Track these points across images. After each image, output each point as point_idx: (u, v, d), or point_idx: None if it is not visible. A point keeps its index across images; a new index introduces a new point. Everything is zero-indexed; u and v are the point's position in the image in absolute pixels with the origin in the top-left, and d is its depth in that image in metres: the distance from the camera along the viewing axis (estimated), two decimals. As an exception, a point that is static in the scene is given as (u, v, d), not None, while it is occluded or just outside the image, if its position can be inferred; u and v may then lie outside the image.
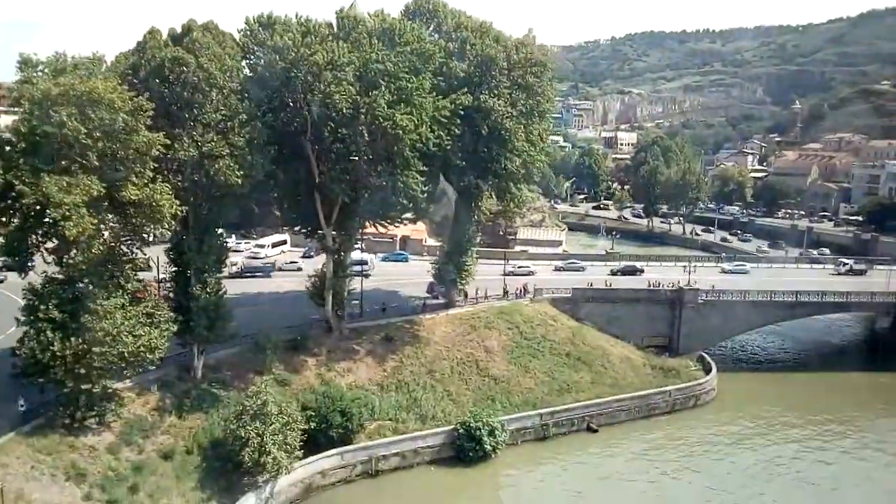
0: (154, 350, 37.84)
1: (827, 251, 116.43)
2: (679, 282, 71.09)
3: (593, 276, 77.24)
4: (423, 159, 48.06)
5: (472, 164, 54.00)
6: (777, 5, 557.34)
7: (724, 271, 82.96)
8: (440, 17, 55.68)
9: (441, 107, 48.22)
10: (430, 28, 55.42)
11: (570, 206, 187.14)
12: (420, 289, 66.40)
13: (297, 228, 56.27)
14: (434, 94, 49.17)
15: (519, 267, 77.07)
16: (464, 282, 62.47)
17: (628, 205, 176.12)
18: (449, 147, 50.13)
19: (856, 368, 71.04)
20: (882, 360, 71.23)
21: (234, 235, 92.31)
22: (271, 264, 77.21)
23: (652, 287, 70.82)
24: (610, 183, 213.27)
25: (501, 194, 59.57)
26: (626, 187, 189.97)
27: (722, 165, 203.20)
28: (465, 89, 50.39)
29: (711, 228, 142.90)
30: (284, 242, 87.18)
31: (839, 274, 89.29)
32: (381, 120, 44.60)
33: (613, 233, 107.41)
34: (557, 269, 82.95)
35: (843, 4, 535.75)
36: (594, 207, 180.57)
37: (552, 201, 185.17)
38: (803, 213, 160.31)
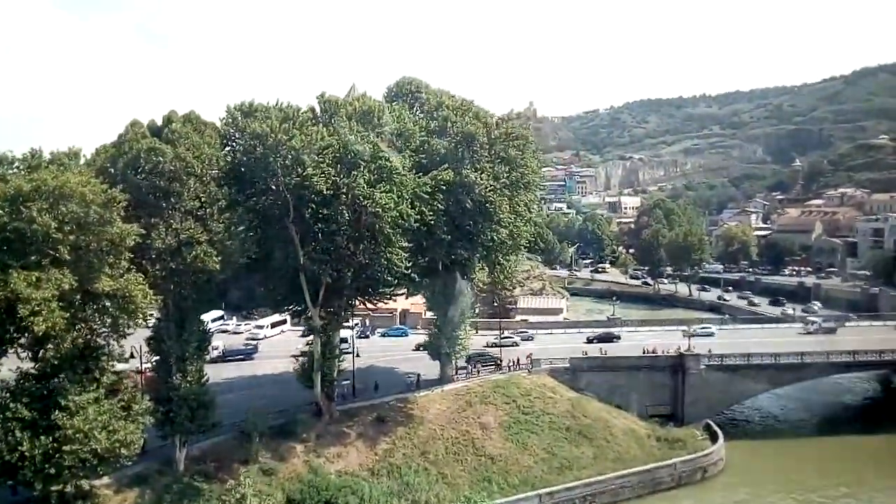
0: (130, 445, 36.72)
1: (817, 306, 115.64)
2: (680, 347, 69.45)
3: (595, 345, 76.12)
4: (406, 235, 48.12)
5: (459, 238, 54.12)
6: (771, 68, 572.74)
7: (688, 335, 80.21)
8: (422, 98, 57.07)
9: (422, 183, 48.67)
10: (413, 108, 56.74)
11: (575, 271, 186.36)
12: (416, 364, 65.15)
13: (285, 309, 55.92)
14: (415, 171, 49.80)
15: (503, 338, 75.34)
16: (458, 356, 61.38)
17: (634, 268, 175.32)
18: (433, 222, 50.30)
19: (871, 430, 67.96)
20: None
21: (234, 317, 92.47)
22: (254, 346, 75.43)
23: (653, 353, 69.18)
24: (615, 247, 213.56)
25: (490, 266, 59.33)
26: (631, 251, 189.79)
27: (725, 226, 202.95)
28: (447, 165, 50.98)
29: (707, 287, 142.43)
30: (284, 322, 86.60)
31: (808, 333, 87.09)
32: (362, 199, 44.95)
33: (614, 297, 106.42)
34: (589, 340, 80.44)
35: (836, 63, 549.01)
36: (592, 272, 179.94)
37: (557, 268, 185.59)
38: (809, 269, 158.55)
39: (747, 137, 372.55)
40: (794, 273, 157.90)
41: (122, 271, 36.31)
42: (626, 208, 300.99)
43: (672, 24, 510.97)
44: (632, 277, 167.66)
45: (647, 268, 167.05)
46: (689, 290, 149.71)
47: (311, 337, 52.45)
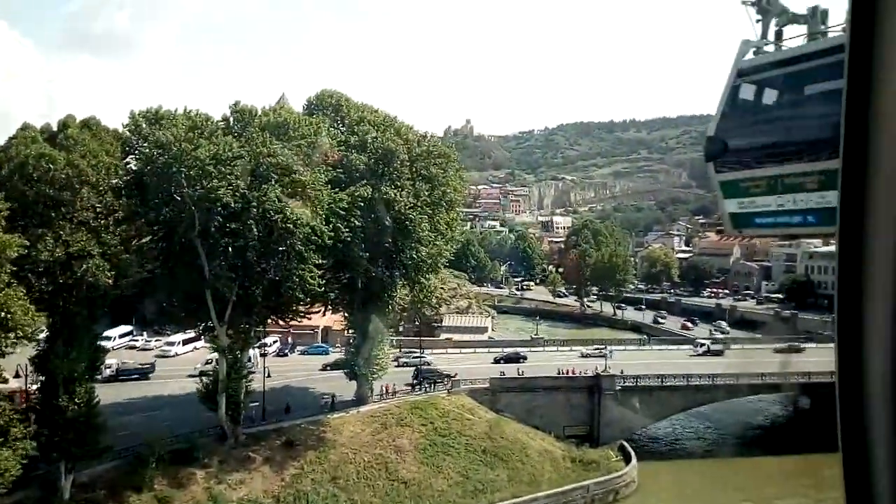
0: (4, 473, 33.84)
1: (724, 325, 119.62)
2: (597, 368, 70.27)
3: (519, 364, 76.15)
4: (320, 251, 46.75)
5: (378, 255, 53.17)
6: (696, 97, 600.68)
7: (583, 355, 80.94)
8: (343, 112, 55.97)
9: (338, 199, 47.48)
10: (334, 122, 55.56)
11: (503, 289, 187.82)
12: (333, 384, 63.29)
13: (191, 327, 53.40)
14: (332, 186, 48.59)
15: (414, 357, 74.41)
16: (375, 376, 60.02)
17: (559, 287, 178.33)
18: (350, 238, 49.15)
19: (780, 450, 70.25)
20: (806, 440, 70.84)
21: (145, 332, 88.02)
22: (150, 365, 70.37)
23: (570, 374, 69.72)
24: (545, 266, 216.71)
25: (410, 284, 58.47)
26: (560, 270, 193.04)
27: (650, 248, 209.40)
28: (365, 181, 50.02)
29: (623, 306, 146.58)
30: (198, 338, 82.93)
31: (698, 355, 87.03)
32: (273, 214, 43.38)
33: (537, 317, 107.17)
34: (497, 360, 79.39)
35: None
36: (517, 289, 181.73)
37: (488, 285, 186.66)
38: (727, 291, 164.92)
39: (673, 162, 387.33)
40: (713, 295, 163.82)
41: (2, 285, 33.58)
42: (557, 227, 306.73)
43: (605, 51, 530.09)
44: (556, 296, 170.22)
45: (574, 287, 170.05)
46: (613, 310, 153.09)
47: (217, 356, 50.16)
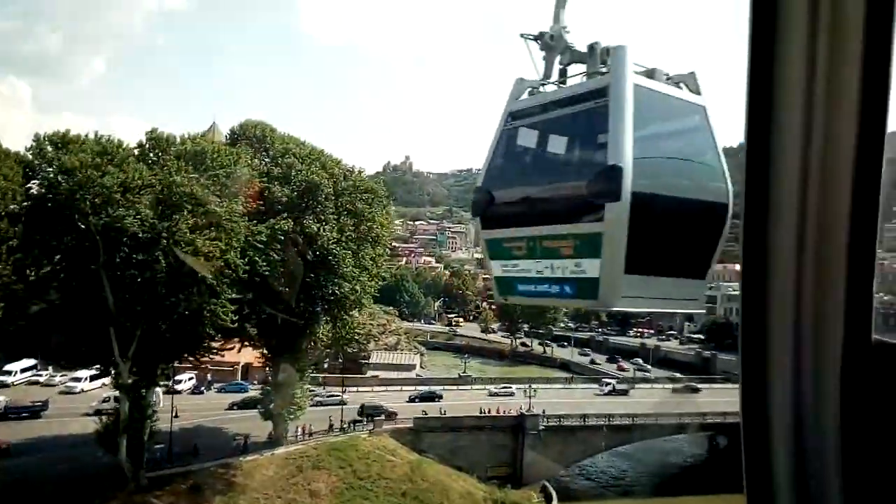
0: None
1: (640, 363, 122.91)
2: (521, 407, 70.14)
3: (444, 403, 75.01)
4: (235, 286, 45.03)
5: (300, 291, 51.66)
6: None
7: (490, 394, 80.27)
8: (268, 143, 54.84)
9: (257, 232, 46.09)
10: (259, 152, 54.33)
11: (433, 324, 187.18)
12: (249, 425, 60.63)
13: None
14: (252, 219, 47.21)
15: (328, 395, 72.53)
16: (292, 416, 57.85)
17: (490, 324, 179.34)
18: (268, 273, 47.66)
19: (698, 490, 71.34)
20: (722, 480, 72.07)
21: (50, 367, 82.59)
22: (43, 402, 65.00)
23: (493, 414, 69.30)
24: (478, 302, 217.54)
25: (333, 321, 57.08)
26: (492, 306, 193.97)
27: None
28: (286, 214, 48.87)
29: (550, 343, 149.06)
30: (107, 374, 78.42)
31: (604, 394, 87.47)
32: (183, 245, 41.60)
33: (465, 354, 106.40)
34: (411, 399, 77.94)
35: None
36: (447, 325, 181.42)
37: (421, 321, 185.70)
38: (652, 331, 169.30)
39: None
40: (639, 334, 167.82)
41: None
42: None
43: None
44: (482, 331, 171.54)
45: (506, 324, 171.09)
46: (543, 348, 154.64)
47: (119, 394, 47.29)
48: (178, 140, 48.40)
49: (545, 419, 67.96)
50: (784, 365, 1.76)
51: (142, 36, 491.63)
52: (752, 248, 1.74)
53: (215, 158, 45.76)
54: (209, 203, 43.61)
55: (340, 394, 72.38)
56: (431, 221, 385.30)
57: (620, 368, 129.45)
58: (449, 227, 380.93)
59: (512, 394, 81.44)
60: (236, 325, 45.68)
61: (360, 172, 58.06)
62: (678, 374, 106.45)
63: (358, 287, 54.65)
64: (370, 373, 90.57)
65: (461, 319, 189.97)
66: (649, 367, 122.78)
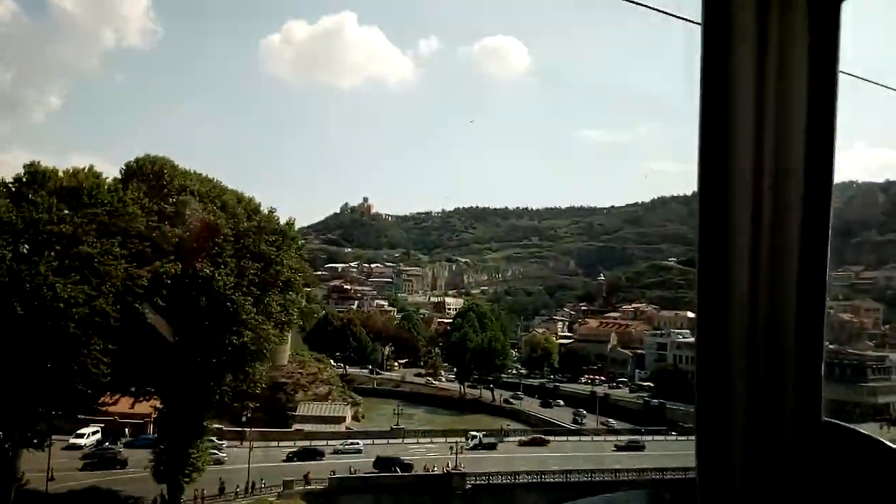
0: None
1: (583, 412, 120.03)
2: (448, 464, 65.77)
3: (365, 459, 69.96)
4: (108, 335, 40.47)
5: (193, 340, 47.19)
6: (584, 190, 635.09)
7: (335, 451, 74.42)
8: (165, 179, 50.94)
9: (136, 275, 41.83)
10: (152, 189, 50.32)
11: (380, 372, 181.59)
12: (144, 487, 55.01)
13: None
14: (135, 261, 43.02)
15: (210, 452, 66.99)
16: (187, 479, 52.50)
17: (441, 370, 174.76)
18: (151, 321, 43.23)
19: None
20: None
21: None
22: None
23: (418, 473, 64.77)
24: (430, 348, 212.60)
25: (234, 373, 52.43)
26: (442, 352, 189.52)
27: (533, 332, 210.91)
28: (173, 257, 44.75)
29: (519, 395, 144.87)
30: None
31: (469, 448, 78.64)
32: (45, 291, 37.16)
33: (398, 406, 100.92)
34: (289, 457, 70.57)
35: (638, 191, 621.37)
36: (370, 372, 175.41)
37: (370, 368, 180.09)
38: (603, 378, 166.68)
39: (562, 250, 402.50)
40: (590, 381, 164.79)
41: None
42: (449, 309, 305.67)
43: (503, 140, 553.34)
44: (437, 380, 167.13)
45: (455, 370, 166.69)
46: (493, 396, 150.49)
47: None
48: (62, 174, 44.36)
49: (474, 477, 63.73)
50: (739, 444, 1.71)
51: (100, 73, 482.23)
52: (707, 331, 1.73)
53: (94, 195, 41.71)
54: (82, 243, 39.35)
55: (219, 453, 66.86)
56: (388, 264, 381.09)
57: (575, 420, 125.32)
58: (406, 270, 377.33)
59: (359, 451, 73.96)
60: (108, 378, 40.78)
61: (270, 213, 54.48)
62: (614, 423, 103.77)
63: (262, 335, 50.41)
64: (295, 426, 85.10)
65: (395, 364, 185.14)
66: (584, 414, 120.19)
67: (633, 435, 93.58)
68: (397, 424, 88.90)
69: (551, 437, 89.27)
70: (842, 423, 1.74)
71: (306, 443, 75.46)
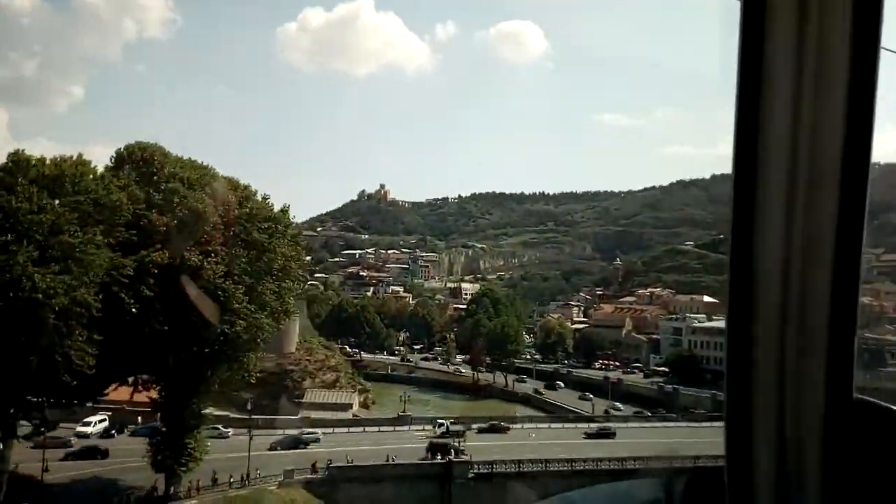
0: None
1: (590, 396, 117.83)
2: (452, 452, 64.81)
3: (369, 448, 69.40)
4: (93, 325, 39.87)
5: (183, 330, 46.54)
6: (600, 175, 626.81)
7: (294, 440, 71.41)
8: (155, 167, 50.10)
9: (121, 265, 41.11)
10: (142, 177, 49.57)
11: (395, 356, 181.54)
12: (147, 475, 54.75)
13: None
14: (121, 249, 42.31)
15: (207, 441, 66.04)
16: (184, 469, 52.15)
17: (455, 356, 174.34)
18: (138, 311, 42.61)
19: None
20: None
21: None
22: None
23: (419, 461, 63.96)
24: (445, 334, 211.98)
25: (228, 363, 51.80)
26: (455, 338, 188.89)
27: (549, 317, 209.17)
28: (159, 245, 43.97)
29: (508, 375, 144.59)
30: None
31: (438, 436, 74.44)
32: (25, 281, 36.53)
33: (405, 394, 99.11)
34: (272, 447, 68.71)
35: (656, 175, 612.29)
36: (402, 359, 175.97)
37: (384, 353, 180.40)
38: (617, 363, 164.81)
39: (579, 235, 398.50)
40: (604, 367, 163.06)
41: None
42: (465, 294, 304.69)
43: (520, 125, 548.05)
44: (450, 365, 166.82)
45: (468, 356, 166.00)
46: (505, 381, 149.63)
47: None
48: (49, 162, 43.65)
49: (476, 466, 62.76)
50: (768, 424, 1.74)
51: (121, 64, 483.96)
52: (737, 308, 1.75)
53: (77, 183, 40.94)
54: (63, 232, 38.64)
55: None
56: (405, 251, 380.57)
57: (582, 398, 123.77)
58: (422, 256, 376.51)
59: (317, 440, 71.24)
60: (93, 369, 40.17)
61: (264, 200, 53.51)
62: (620, 407, 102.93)
63: (254, 324, 49.62)
64: (302, 413, 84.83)
65: (399, 348, 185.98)
66: (591, 398, 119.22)
67: (640, 419, 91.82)
68: (404, 411, 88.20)
69: (530, 424, 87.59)
70: (874, 401, 1.70)
71: (295, 432, 74.68)
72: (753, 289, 1.64)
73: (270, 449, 68.04)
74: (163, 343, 45.92)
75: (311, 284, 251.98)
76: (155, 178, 49.16)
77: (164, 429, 54.05)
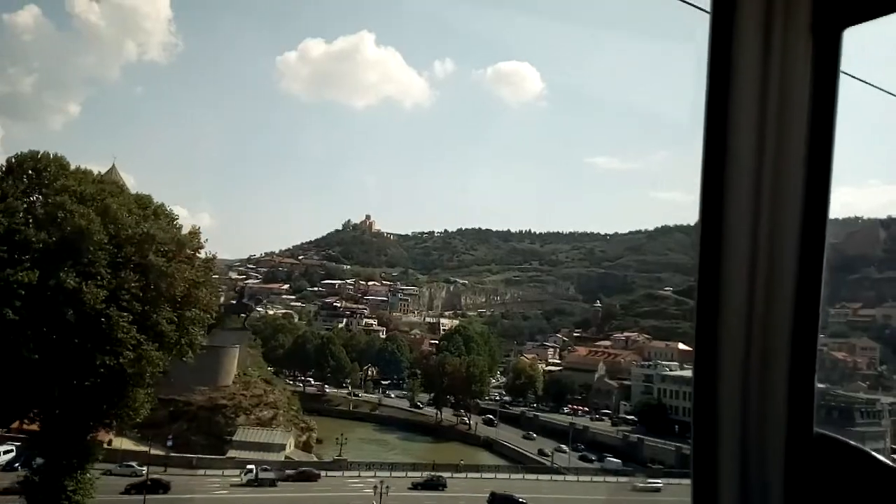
0: None
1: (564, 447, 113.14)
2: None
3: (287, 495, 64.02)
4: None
5: (58, 360, 41.85)
6: (586, 216, 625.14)
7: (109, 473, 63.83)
8: (46, 178, 45.94)
9: (-24, 285, 36.76)
10: (30, 189, 45.43)
11: (357, 394, 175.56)
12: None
13: None
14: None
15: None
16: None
17: (420, 394, 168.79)
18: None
19: None
20: None
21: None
22: None
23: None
24: (414, 370, 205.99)
25: (111, 399, 46.86)
26: (421, 376, 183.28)
27: (522, 358, 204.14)
28: (29, 265, 39.61)
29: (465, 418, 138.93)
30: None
31: (242, 485, 69.06)
32: None
33: (342, 436, 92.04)
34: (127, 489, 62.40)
35: (644, 219, 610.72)
36: (348, 394, 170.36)
37: (347, 388, 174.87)
38: (587, 409, 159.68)
39: (562, 275, 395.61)
40: (572, 412, 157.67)
41: None
42: (444, 329, 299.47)
43: (506, 165, 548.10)
44: (413, 405, 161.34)
45: (432, 395, 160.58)
46: (468, 424, 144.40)
47: None
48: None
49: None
50: (731, 457, 1.76)
51: (120, 84, 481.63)
52: (704, 342, 1.80)
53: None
54: None
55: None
56: (385, 283, 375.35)
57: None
58: (402, 290, 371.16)
59: (135, 474, 64.89)
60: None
61: (170, 221, 49.34)
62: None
63: (145, 357, 44.93)
64: (232, 452, 79.25)
65: (362, 388, 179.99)
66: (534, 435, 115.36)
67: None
68: (339, 455, 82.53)
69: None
70: (833, 435, 1.75)
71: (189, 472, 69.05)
72: (719, 327, 1.66)
73: (124, 492, 61.94)
74: (36, 373, 41.25)
75: (283, 313, 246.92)
76: (44, 190, 45.02)
77: (38, 468, 48.87)
